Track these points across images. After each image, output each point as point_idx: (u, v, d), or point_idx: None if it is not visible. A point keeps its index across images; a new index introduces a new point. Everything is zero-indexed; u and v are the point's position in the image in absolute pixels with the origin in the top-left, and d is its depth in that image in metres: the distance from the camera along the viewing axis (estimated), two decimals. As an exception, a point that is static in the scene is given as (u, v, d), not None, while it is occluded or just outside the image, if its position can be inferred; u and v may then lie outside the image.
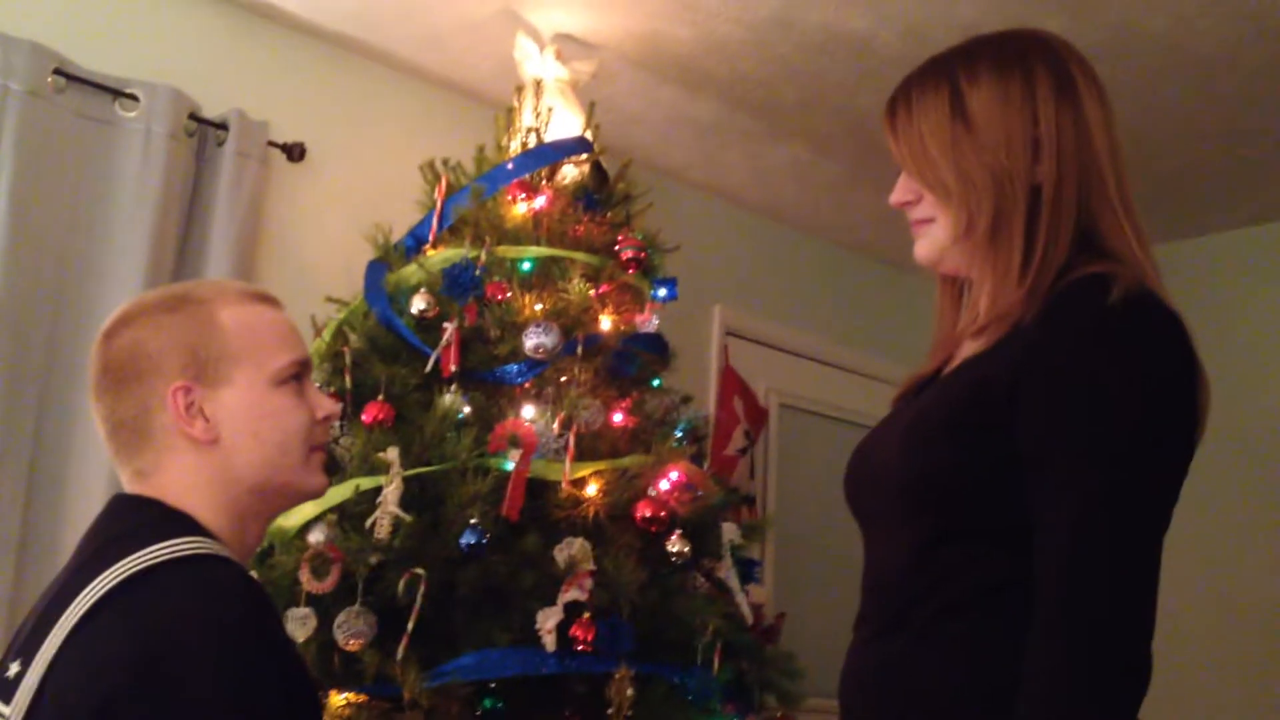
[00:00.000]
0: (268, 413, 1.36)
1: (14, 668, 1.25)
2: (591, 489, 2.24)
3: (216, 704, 1.14)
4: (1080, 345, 1.26)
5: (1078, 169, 1.36)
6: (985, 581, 1.31)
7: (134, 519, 1.33)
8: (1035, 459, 1.26)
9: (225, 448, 1.34)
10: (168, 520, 1.30)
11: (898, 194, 1.47)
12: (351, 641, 2.02)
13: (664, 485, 2.30)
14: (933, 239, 1.44)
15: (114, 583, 1.22)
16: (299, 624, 2.04)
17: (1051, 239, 1.35)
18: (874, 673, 1.39)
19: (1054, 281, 1.33)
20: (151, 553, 1.23)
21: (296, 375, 1.40)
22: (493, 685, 2.11)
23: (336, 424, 2.35)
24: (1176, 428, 1.26)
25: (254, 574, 2.10)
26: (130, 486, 1.37)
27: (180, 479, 1.34)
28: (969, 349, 1.42)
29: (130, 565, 1.22)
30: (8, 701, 1.23)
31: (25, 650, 1.25)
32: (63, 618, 1.23)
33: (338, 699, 2.01)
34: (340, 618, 2.03)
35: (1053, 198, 1.35)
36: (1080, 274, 1.32)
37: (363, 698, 2.02)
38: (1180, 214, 3.96)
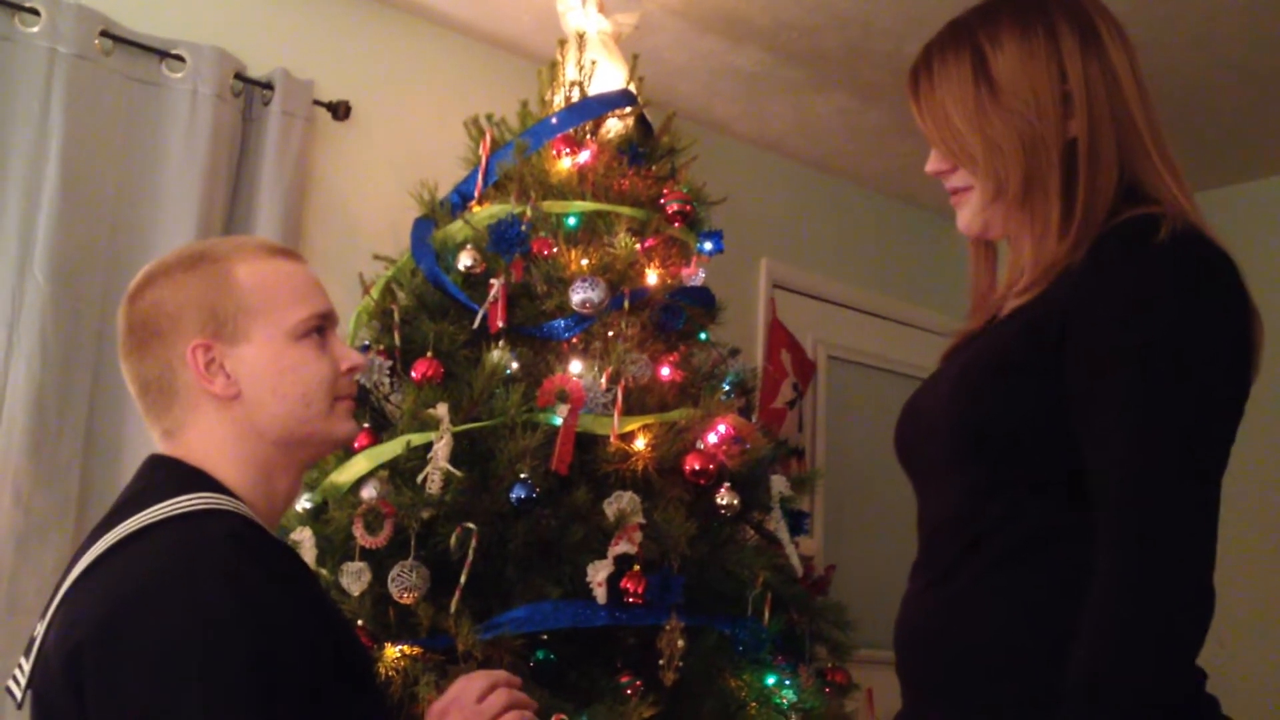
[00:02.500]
0: (287, 367, 1.36)
1: (38, 626, 1.28)
2: (640, 443, 2.24)
3: (169, 649, 1.13)
4: (1128, 283, 1.25)
5: (1112, 119, 1.34)
6: (1036, 531, 1.30)
7: (151, 479, 1.34)
8: (1085, 397, 1.25)
9: (247, 403, 1.34)
10: (181, 478, 1.31)
11: (932, 164, 1.46)
12: (405, 595, 2.04)
13: (712, 438, 2.29)
14: (971, 207, 1.43)
15: (113, 541, 1.24)
16: (354, 578, 2.07)
17: (1092, 192, 1.33)
18: (926, 623, 1.39)
19: (1093, 235, 1.32)
20: (155, 511, 1.25)
21: (318, 328, 1.39)
22: (545, 637, 2.13)
23: (385, 380, 2.36)
24: (1228, 364, 1.24)
25: (306, 529, 2.15)
26: (160, 446, 1.39)
27: (205, 436, 1.35)
28: (1014, 305, 1.41)
29: (133, 524, 1.24)
30: (28, 658, 1.27)
31: (45, 609, 1.28)
32: (69, 577, 1.26)
33: (393, 651, 2.03)
34: (394, 571, 2.05)
35: (1088, 151, 1.34)
36: (1127, 215, 1.30)
37: (417, 650, 2.04)
38: (1233, 158, 3.89)
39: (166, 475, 1.33)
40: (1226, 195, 4.01)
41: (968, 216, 1.44)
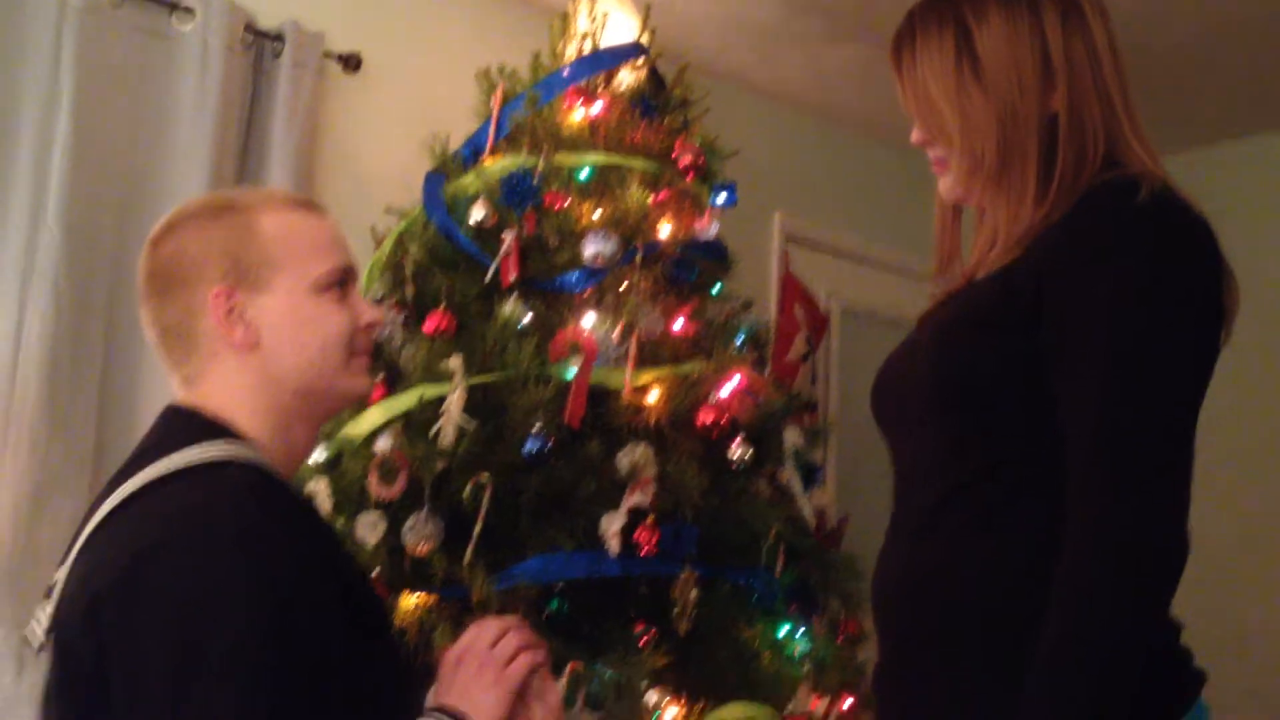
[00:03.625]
0: (307, 319, 1.36)
1: (58, 572, 1.29)
2: (653, 396, 2.24)
3: (187, 600, 1.14)
4: (1107, 239, 1.26)
5: (1094, 93, 1.36)
6: (1015, 485, 1.32)
7: (170, 428, 1.35)
8: (1060, 350, 1.26)
9: (266, 352, 1.35)
10: (199, 428, 1.32)
11: (916, 136, 1.48)
12: (420, 545, 2.06)
13: (725, 391, 2.30)
14: (950, 178, 1.46)
15: (133, 490, 1.25)
16: (369, 528, 2.08)
17: (1076, 163, 1.35)
18: (903, 579, 1.42)
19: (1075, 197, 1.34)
20: (172, 461, 1.26)
21: (339, 282, 1.40)
22: (558, 588, 2.15)
23: (399, 332, 2.37)
24: (1200, 322, 1.26)
25: (322, 480, 2.16)
26: (179, 394, 1.39)
27: (224, 384, 1.35)
28: (991, 268, 1.41)
29: (151, 473, 1.25)
30: (47, 605, 1.28)
31: (64, 557, 1.29)
32: (88, 525, 1.27)
33: (408, 601, 2.05)
34: (409, 522, 2.06)
35: (1069, 125, 1.35)
36: (1106, 177, 1.32)
37: (432, 599, 2.06)
38: (1236, 113, 3.84)
39: (185, 424, 1.34)
40: (1223, 151, 3.99)
41: (949, 184, 1.47)
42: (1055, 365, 1.27)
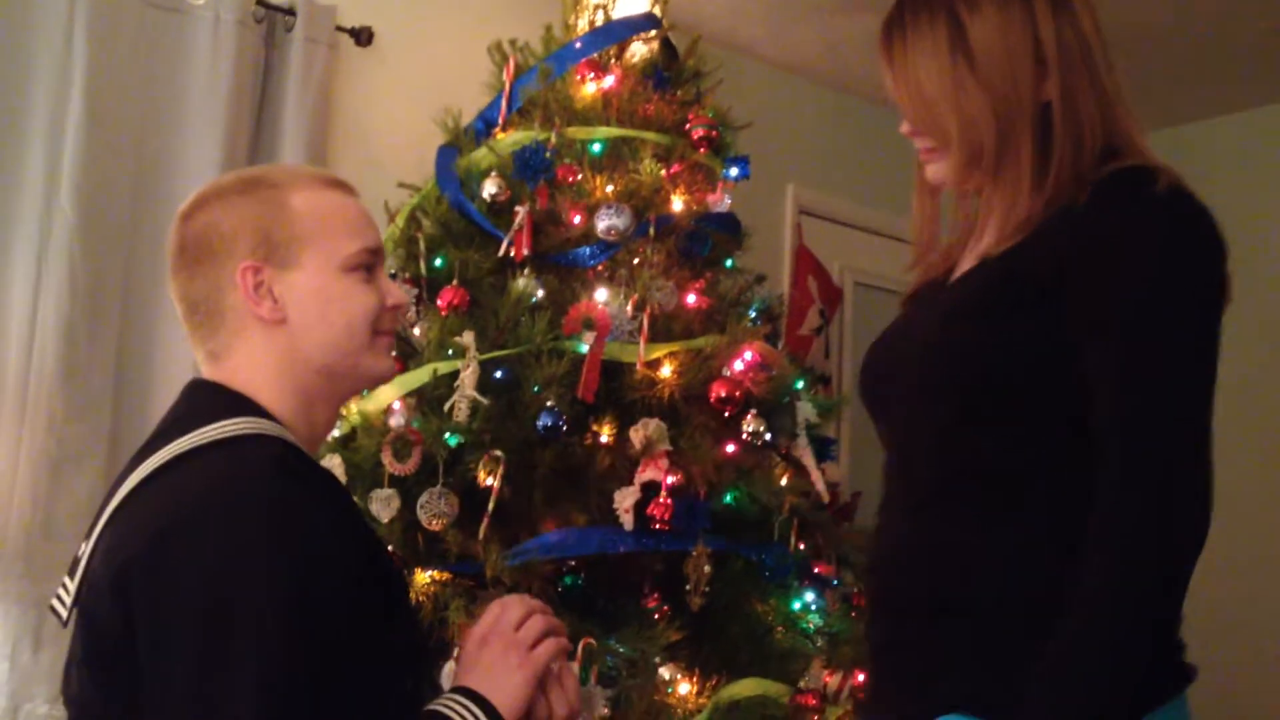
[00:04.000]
0: (335, 297, 1.37)
1: (83, 546, 1.30)
2: (666, 370, 2.24)
3: (215, 574, 1.15)
4: (1135, 225, 1.27)
5: (1086, 80, 1.36)
6: (1014, 470, 1.32)
7: (196, 403, 1.36)
8: (1093, 326, 1.26)
9: (292, 329, 1.35)
10: (225, 403, 1.32)
11: (906, 127, 1.46)
12: (434, 521, 2.06)
13: (738, 365, 2.29)
14: (944, 167, 1.44)
15: (159, 464, 1.25)
16: (383, 504, 2.09)
17: (1074, 150, 1.34)
18: (895, 556, 1.43)
19: (1086, 184, 1.32)
20: (199, 434, 1.26)
21: (367, 263, 1.40)
22: (572, 563, 2.15)
23: (412, 310, 2.36)
24: (1218, 312, 1.28)
25: (336, 456, 2.16)
26: (205, 369, 1.40)
27: (249, 360, 1.36)
28: (992, 255, 1.40)
29: (178, 447, 1.26)
30: (73, 578, 1.30)
31: (90, 530, 1.30)
32: (114, 498, 1.28)
33: (423, 577, 2.06)
34: (423, 498, 2.07)
35: (1064, 112, 1.35)
36: (1119, 166, 1.32)
37: (447, 575, 2.07)
38: (1226, 89, 3.82)
39: (210, 399, 1.35)
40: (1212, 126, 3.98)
41: (940, 172, 1.45)
42: (1087, 341, 1.27)
